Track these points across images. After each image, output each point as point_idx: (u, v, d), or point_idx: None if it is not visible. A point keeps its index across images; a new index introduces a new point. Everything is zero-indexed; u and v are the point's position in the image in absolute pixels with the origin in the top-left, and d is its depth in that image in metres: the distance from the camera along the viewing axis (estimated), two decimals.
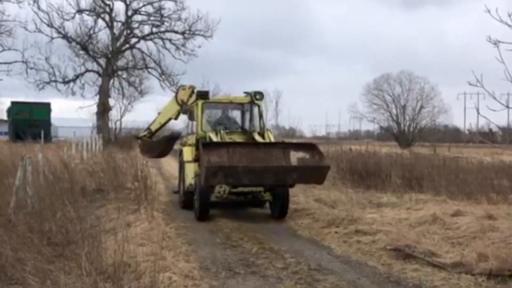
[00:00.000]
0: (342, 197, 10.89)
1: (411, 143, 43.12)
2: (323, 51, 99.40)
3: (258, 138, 10.17)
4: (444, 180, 12.51)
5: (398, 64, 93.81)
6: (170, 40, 31.71)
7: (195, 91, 11.57)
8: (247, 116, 11.39)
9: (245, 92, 11.30)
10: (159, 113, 13.18)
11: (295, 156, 8.77)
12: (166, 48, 31.69)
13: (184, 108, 11.53)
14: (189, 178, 10.36)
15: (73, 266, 5.10)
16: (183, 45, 31.63)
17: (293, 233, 8.56)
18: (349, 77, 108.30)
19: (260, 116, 11.01)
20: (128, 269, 5.41)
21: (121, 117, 38.34)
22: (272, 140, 10.31)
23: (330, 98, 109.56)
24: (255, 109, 11.08)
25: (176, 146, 13.68)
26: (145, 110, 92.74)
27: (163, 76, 32.16)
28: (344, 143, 32.10)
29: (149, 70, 32.43)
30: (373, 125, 57.24)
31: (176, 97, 12.09)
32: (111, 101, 33.15)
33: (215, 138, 9.81)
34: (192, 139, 10.87)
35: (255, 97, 10.99)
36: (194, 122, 11.20)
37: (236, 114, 11.87)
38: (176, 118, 12.76)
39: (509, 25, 6.11)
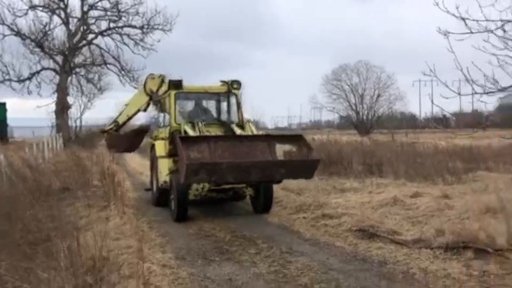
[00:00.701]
0: (308, 184, 11.24)
1: (369, 131, 44.30)
2: (283, 43, 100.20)
3: (238, 130, 9.56)
4: (403, 165, 13.08)
5: (356, 54, 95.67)
6: (128, 35, 31.11)
7: (166, 80, 10.90)
8: (224, 107, 10.75)
9: (221, 81, 10.64)
10: (126, 105, 12.45)
11: (281, 150, 8.09)
12: (125, 44, 31.09)
13: (154, 98, 10.81)
14: (163, 175, 9.71)
15: (52, 262, 5.19)
16: (142, 40, 31.10)
17: (264, 221, 8.84)
18: (309, 69, 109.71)
19: (238, 106, 10.38)
20: (108, 262, 5.56)
21: (81, 115, 37.62)
22: (255, 132, 9.65)
23: (292, 90, 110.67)
24: (233, 99, 10.48)
25: (146, 140, 13.35)
26: (105, 107, 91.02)
27: (122, 72, 31.55)
28: (306, 133, 32.57)
29: (108, 66, 31.74)
30: (333, 114, 58.25)
31: (144, 87, 11.36)
32: (70, 99, 32.31)
33: (191, 131, 9.21)
34: (164, 132, 10.17)
35: (233, 86, 10.39)
36: (166, 114, 10.57)
37: (212, 105, 11.10)
38: (145, 110, 12.09)
39: (456, 16, 6.56)
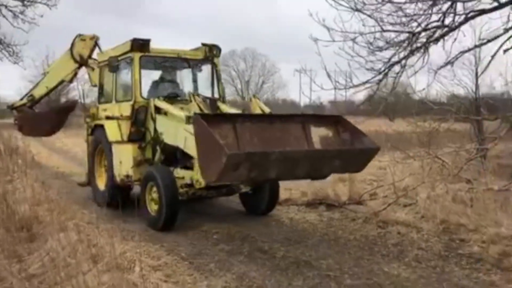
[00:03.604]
0: None
1: None
2: (170, 25, 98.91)
3: (227, 109, 7.72)
4: None
5: (244, 41, 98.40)
6: (6, 6, 29.62)
7: (99, 42, 9.24)
8: (202, 78, 8.74)
9: (202, 44, 8.42)
10: (45, 74, 10.08)
11: (316, 134, 6.25)
12: (3, 15, 29.56)
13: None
14: (126, 167, 7.68)
15: None
16: (22, 13, 29.74)
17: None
18: None
19: (219, 78, 8.54)
20: (36, 221, 6.57)
21: None
22: (267, 111, 7.20)
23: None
24: (210, 68, 8.56)
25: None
26: None
27: (0, 46, 30.03)
28: None
29: None
30: None
31: (71, 51, 9.30)
32: None
33: (175, 110, 7.13)
34: (118, 109, 8.02)
35: (212, 52, 8.35)
36: (118, 85, 8.43)
37: (186, 75, 8.91)
38: (71, 80, 9.78)
39: (325, 27, 8.46)
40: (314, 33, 7.84)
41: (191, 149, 6.26)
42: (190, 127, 5.99)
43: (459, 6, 7.59)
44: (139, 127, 7.71)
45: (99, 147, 8.53)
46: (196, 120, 5.42)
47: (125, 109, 7.85)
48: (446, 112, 10.03)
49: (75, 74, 9.69)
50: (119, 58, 7.97)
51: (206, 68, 8.66)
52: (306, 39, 8.07)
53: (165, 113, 7.31)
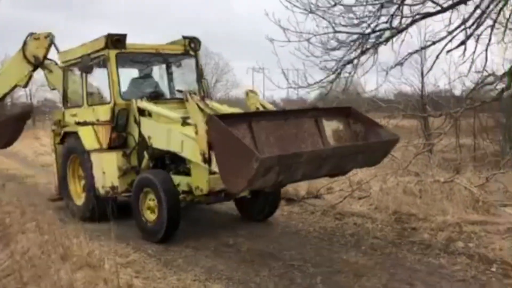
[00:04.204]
0: None
1: None
2: (109, 18, 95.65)
3: (220, 106, 7.16)
4: None
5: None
6: None
7: (55, 40, 8.31)
8: (181, 73, 8.21)
9: (184, 37, 7.70)
10: None
11: (329, 128, 5.70)
12: None
13: (46, 66, 7.62)
14: (110, 177, 6.94)
15: None
16: None
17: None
18: None
19: (201, 74, 7.93)
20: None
21: None
22: (269, 107, 6.87)
23: None
24: (192, 64, 7.93)
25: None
26: None
27: None
28: None
29: None
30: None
31: (23, 51, 8.31)
32: None
33: (166, 110, 6.59)
34: (93, 114, 7.27)
35: (190, 46, 7.69)
36: (73, 89, 7.90)
37: (164, 72, 8.25)
38: (26, 85, 8.79)
39: (281, 27, 8.75)
40: (268, 32, 7.95)
41: (190, 153, 5.87)
42: (187, 130, 5.78)
43: (406, 9, 8.08)
44: (121, 132, 7.01)
45: (72, 157, 7.76)
46: (214, 121, 4.62)
47: (103, 113, 7.10)
48: (394, 109, 10.59)
49: (30, 78, 8.63)
50: (92, 57, 7.13)
51: (185, 64, 8.07)
52: (260, 38, 8.20)
53: (150, 115, 6.74)
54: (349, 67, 8.76)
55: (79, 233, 5.48)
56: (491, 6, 7.72)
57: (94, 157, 7.14)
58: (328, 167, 5.25)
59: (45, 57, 8.46)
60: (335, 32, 8.60)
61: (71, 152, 7.74)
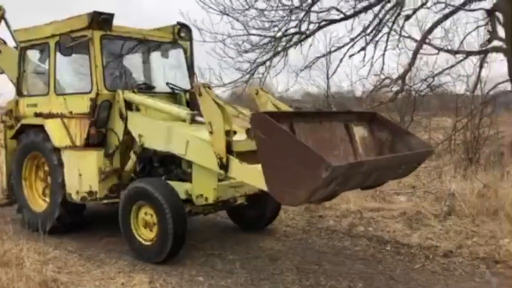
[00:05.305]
0: None
1: None
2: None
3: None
4: None
5: None
6: None
7: (5, 16, 7.23)
8: (169, 63, 7.09)
9: (178, 23, 6.81)
10: None
11: (358, 134, 4.98)
12: None
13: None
14: (89, 181, 5.84)
15: None
16: None
17: None
18: None
19: (191, 65, 7.01)
20: None
21: None
22: (284, 108, 5.92)
23: None
24: (181, 53, 6.97)
25: None
26: None
27: None
28: None
29: None
30: None
31: None
32: None
33: (159, 103, 5.76)
34: (64, 104, 6.14)
35: (179, 34, 6.76)
36: (34, 74, 6.90)
37: (154, 60, 7.11)
38: None
39: (198, 28, 8.99)
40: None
41: (197, 156, 5.07)
42: (196, 129, 5.07)
43: (313, 15, 8.80)
44: (101, 128, 5.88)
45: (31, 155, 6.53)
46: (265, 121, 3.73)
47: (78, 104, 5.95)
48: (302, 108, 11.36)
49: None
50: (73, 36, 5.83)
51: (173, 54, 7.05)
52: None
53: (138, 109, 5.80)
54: (262, 68, 9.33)
55: None
56: (387, 16, 8.68)
57: (67, 156, 5.97)
58: (374, 178, 4.59)
59: None
60: (249, 34, 9.12)
61: (29, 149, 6.48)
